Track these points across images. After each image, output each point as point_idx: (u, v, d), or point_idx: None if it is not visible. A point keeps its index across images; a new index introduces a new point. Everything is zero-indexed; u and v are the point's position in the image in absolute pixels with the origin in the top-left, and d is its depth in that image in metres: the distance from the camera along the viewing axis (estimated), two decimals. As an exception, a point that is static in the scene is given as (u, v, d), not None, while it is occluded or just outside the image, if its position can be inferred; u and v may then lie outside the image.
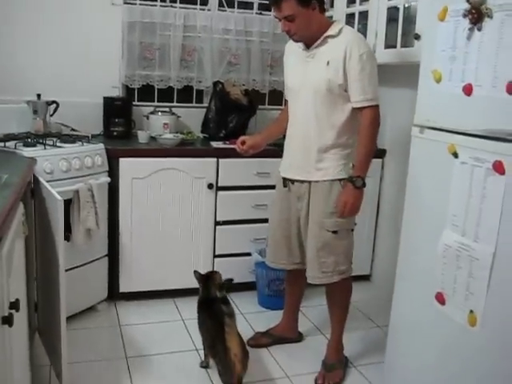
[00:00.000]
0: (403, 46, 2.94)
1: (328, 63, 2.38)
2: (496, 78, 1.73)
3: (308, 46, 2.47)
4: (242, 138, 2.76)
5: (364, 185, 2.43)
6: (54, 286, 2.20)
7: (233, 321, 2.41)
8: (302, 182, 2.54)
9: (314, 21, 2.39)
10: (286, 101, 2.76)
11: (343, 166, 2.47)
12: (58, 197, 2.09)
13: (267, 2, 3.84)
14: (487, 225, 1.79)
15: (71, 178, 2.85)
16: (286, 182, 2.62)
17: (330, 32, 2.40)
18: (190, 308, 3.18)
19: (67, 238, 2.77)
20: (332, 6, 3.59)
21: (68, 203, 2.80)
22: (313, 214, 2.51)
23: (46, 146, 2.86)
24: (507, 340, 1.76)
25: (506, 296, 1.75)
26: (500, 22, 1.74)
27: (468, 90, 1.85)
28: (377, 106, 2.40)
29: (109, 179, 3.08)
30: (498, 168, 1.73)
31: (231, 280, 2.43)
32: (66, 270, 2.81)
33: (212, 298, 2.54)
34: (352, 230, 2.58)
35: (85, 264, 3.05)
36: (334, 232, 2.49)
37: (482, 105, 1.81)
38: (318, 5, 2.39)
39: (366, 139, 2.42)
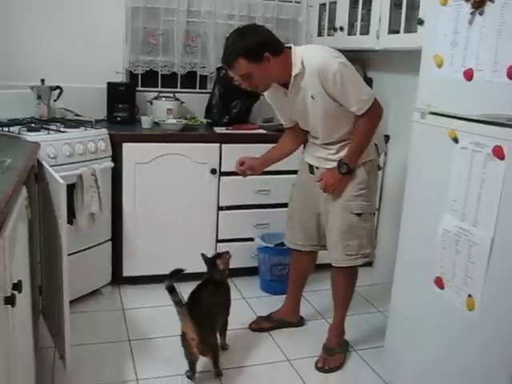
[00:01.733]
0: (407, 31, 2.92)
1: (312, 97, 2.38)
2: (497, 63, 1.73)
3: (285, 86, 2.44)
4: (241, 158, 2.75)
5: (348, 172, 2.46)
6: (58, 270, 2.23)
7: (182, 309, 2.39)
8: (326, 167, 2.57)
9: (273, 69, 2.35)
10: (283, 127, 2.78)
11: (368, 150, 2.50)
12: (61, 180, 2.11)
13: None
14: (486, 210, 1.80)
15: (75, 162, 2.87)
16: (312, 167, 2.65)
17: (295, 71, 2.35)
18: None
19: (70, 221, 2.79)
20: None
21: (72, 188, 2.82)
22: (337, 197, 2.53)
23: (50, 131, 2.88)
24: (505, 324, 1.77)
25: (504, 280, 1.76)
26: (501, 6, 1.73)
27: (469, 74, 1.85)
28: (374, 103, 2.39)
29: (112, 164, 3.09)
30: (498, 153, 1.73)
31: (180, 270, 2.42)
32: (70, 254, 2.85)
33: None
34: (374, 214, 2.65)
35: (89, 248, 3.08)
36: (358, 214, 2.53)
37: (482, 89, 1.80)
38: (271, 53, 2.31)
39: (363, 132, 2.44)
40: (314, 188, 2.63)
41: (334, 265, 2.63)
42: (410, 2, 2.89)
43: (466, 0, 1.86)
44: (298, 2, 3.95)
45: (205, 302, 2.48)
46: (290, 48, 2.39)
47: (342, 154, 2.50)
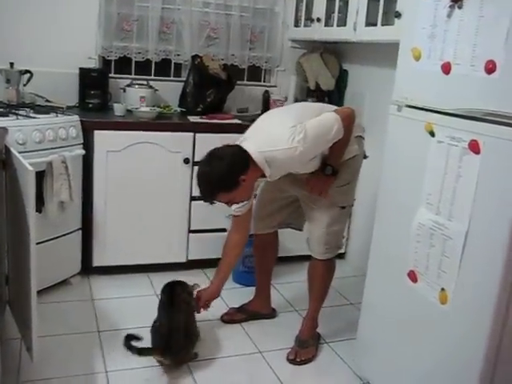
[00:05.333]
0: (384, 24, 2.92)
1: (293, 172, 2.43)
2: (475, 57, 1.73)
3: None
4: (197, 295, 2.65)
5: (334, 173, 2.45)
6: (25, 259, 2.17)
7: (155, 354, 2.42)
8: None
9: (250, 183, 2.34)
10: (235, 218, 2.70)
11: (351, 147, 2.49)
12: (29, 167, 2.05)
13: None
14: (461, 204, 1.80)
15: (44, 149, 2.80)
16: None
17: (267, 173, 2.31)
18: (163, 283, 3.19)
19: (39, 210, 2.73)
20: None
21: (41, 175, 2.76)
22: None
23: (19, 116, 2.81)
24: (476, 318, 1.78)
25: (477, 275, 1.77)
26: (480, 0, 1.73)
27: (446, 68, 1.84)
28: (343, 119, 2.33)
29: (83, 151, 3.03)
30: (474, 147, 1.74)
31: (132, 337, 2.34)
32: (39, 243, 2.78)
33: None
34: (352, 206, 2.69)
35: (58, 237, 3.01)
36: (343, 207, 2.55)
37: (460, 83, 1.80)
38: (243, 172, 2.24)
39: (342, 141, 2.39)
40: (288, 182, 2.60)
41: (316, 257, 2.61)
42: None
43: (445, -7, 1.85)
44: (276, -9, 3.91)
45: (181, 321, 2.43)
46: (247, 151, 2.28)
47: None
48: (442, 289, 1.89)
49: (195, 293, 2.62)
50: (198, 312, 2.65)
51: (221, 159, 2.25)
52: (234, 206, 2.56)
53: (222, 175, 2.22)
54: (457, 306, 1.85)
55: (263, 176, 2.35)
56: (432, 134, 1.91)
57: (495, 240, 1.69)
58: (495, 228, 1.69)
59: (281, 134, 2.23)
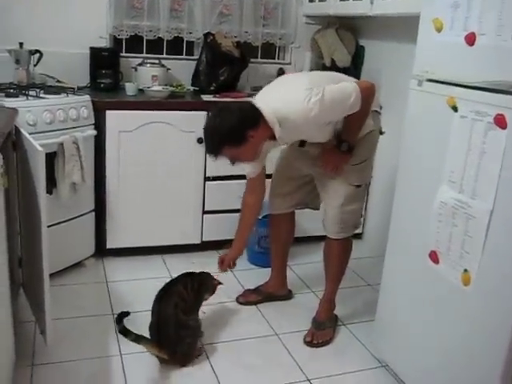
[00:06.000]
0: (402, -4, 2.82)
1: (305, 139, 2.35)
2: (501, 26, 1.63)
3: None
4: (220, 257, 2.75)
5: (350, 150, 2.37)
6: (37, 242, 2.13)
7: (142, 343, 2.27)
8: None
9: (258, 141, 2.22)
10: (250, 180, 2.64)
11: (367, 122, 2.41)
12: (39, 148, 2.00)
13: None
14: (486, 181, 1.72)
15: (55, 130, 2.76)
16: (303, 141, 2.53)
17: (277, 134, 2.22)
18: (178, 265, 3.18)
19: (50, 191, 2.69)
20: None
21: (52, 156, 2.72)
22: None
23: (29, 97, 2.76)
24: (500, 300, 1.71)
25: (501, 255, 1.70)
26: (507, -34, 1.63)
27: (471, 39, 1.75)
28: (361, 91, 2.23)
29: (95, 132, 2.98)
30: (500, 122, 1.65)
31: (126, 313, 2.22)
32: (51, 225, 2.79)
33: None
34: (369, 184, 2.63)
35: (71, 219, 2.99)
36: (358, 186, 2.47)
37: (485, 55, 1.71)
38: (252, 128, 2.16)
39: (360, 115, 2.31)
40: (303, 161, 2.56)
41: (331, 236, 2.56)
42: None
43: (469, -40, 1.76)
44: (289, -33, 3.81)
45: (171, 314, 2.32)
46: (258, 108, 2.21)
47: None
48: (465, 270, 1.82)
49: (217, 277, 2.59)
50: (225, 271, 2.70)
51: (231, 112, 2.17)
52: (247, 169, 2.52)
53: (231, 127, 2.14)
54: (480, 287, 1.78)
55: (273, 138, 2.26)
56: (455, 108, 1.83)
57: (522, 219, 1.62)
58: (522, 206, 1.62)
59: (296, 95, 2.15)
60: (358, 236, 3.74)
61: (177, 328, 2.30)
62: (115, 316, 2.28)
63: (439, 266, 1.95)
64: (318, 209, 2.75)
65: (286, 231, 2.84)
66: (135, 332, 2.22)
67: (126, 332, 2.22)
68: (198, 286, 2.47)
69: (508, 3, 1.61)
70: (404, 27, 3.05)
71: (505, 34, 1.62)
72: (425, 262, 2.01)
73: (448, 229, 1.89)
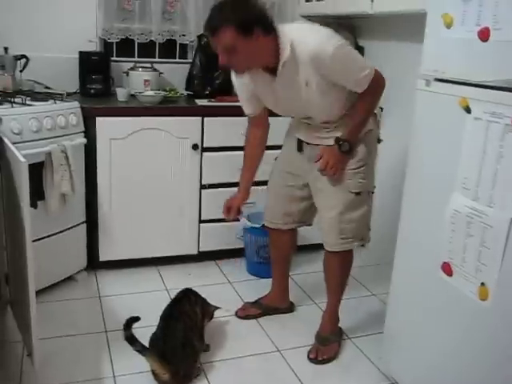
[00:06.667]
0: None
1: (307, 84, 2.11)
2: (519, 20, 1.51)
3: (270, 73, 2.15)
4: (226, 203, 2.60)
5: (350, 150, 2.24)
6: (23, 257, 2.00)
7: (147, 355, 2.17)
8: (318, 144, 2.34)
9: (259, 50, 2.04)
10: (251, 118, 2.51)
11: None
12: (22, 159, 1.87)
13: None
14: (504, 188, 1.59)
15: (43, 138, 2.63)
16: (301, 144, 2.41)
17: (283, 57, 2.05)
18: (174, 277, 3.07)
19: (35, 205, 2.55)
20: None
21: (40, 166, 2.59)
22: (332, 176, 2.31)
23: (14, 104, 2.63)
24: (523, 315, 1.59)
25: (523, 267, 1.57)
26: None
27: (484, 34, 1.62)
28: (376, 76, 2.14)
29: (85, 140, 2.85)
30: (519, 124, 1.53)
31: (136, 319, 2.18)
32: (40, 239, 2.67)
33: None
34: (372, 193, 2.42)
35: (61, 231, 2.86)
36: (357, 193, 2.31)
37: (500, 51, 1.58)
38: (262, 30, 2.01)
39: (366, 108, 2.21)
40: (300, 166, 2.43)
41: (327, 249, 2.42)
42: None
43: (480, -51, 1.64)
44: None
45: (179, 330, 2.22)
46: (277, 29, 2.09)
47: (341, 130, 2.27)
48: (482, 283, 1.69)
49: None
50: (232, 219, 2.63)
51: (250, 1, 2.03)
52: (247, 110, 2.44)
53: (243, 13, 1.97)
54: (499, 302, 1.65)
55: (273, 73, 2.12)
56: (468, 110, 1.70)
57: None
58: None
59: (318, 31, 2.06)
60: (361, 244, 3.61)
61: (184, 346, 2.18)
62: (124, 322, 2.18)
63: (453, 278, 1.82)
64: (311, 224, 2.62)
65: (287, 243, 2.70)
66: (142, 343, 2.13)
67: (132, 341, 2.13)
68: (202, 306, 2.39)
69: (527, -6, 1.49)
70: (406, 25, 2.93)
71: (523, 27, 1.49)
72: (437, 273, 1.88)
73: (462, 239, 1.76)
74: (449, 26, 1.76)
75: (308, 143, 2.39)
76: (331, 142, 2.27)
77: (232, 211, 2.58)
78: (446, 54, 1.80)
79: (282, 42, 2.05)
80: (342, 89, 2.16)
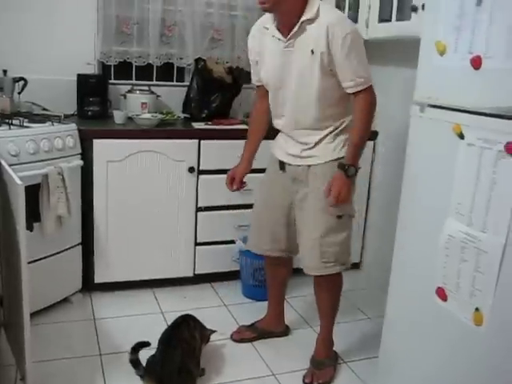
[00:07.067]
0: (399, 19, 2.74)
1: (312, 52, 2.14)
2: (510, 49, 1.53)
3: (283, 33, 2.22)
4: (229, 175, 2.60)
5: (356, 172, 2.26)
6: (17, 279, 2.00)
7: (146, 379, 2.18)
8: (299, 165, 2.35)
9: None
10: (257, 88, 2.55)
11: (344, 145, 2.29)
12: (19, 181, 1.88)
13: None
14: (497, 214, 1.60)
15: (40, 160, 2.64)
16: (283, 164, 2.42)
17: (306, 15, 2.14)
18: (169, 299, 3.06)
19: (31, 227, 2.55)
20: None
21: (36, 188, 2.60)
22: (315, 198, 2.30)
23: (12, 126, 2.64)
24: (517, 341, 1.59)
25: (517, 293, 1.58)
26: (514, -16, 1.54)
27: (476, 62, 1.65)
28: (370, 88, 2.20)
29: (81, 162, 2.86)
30: (511, 150, 1.54)
31: (145, 344, 2.21)
32: (36, 261, 2.66)
33: None
34: (353, 217, 2.41)
35: (57, 253, 2.85)
36: (339, 217, 2.30)
37: (492, 79, 1.61)
38: None
39: (361, 124, 2.23)
40: (285, 187, 2.42)
41: (307, 273, 2.41)
42: (401, -12, 2.71)
43: (472, -21, 1.67)
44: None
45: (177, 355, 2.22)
46: None
47: (319, 150, 2.29)
48: (477, 309, 1.69)
49: None
50: (237, 189, 2.61)
51: None
52: (254, 77, 2.50)
53: None
54: (494, 327, 1.65)
55: (283, 33, 2.20)
56: (461, 136, 1.72)
57: (538, 254, 1.50)
58: (537, 240, 1.50)
59: (345, 16, 2.33)
60: (356, 266, 3.62)
61: (180, 372, 2.18)
62: (132, 346, 2.20)
63: (447, 303, 1.81)
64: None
65: (283, 267, 2.69)
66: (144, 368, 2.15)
67: (136, 364, 2.14)
68: (200, 330, 2.40)
69: (517, 24, 1.52)
70: (400, 51, 2.97)
71: (514, 56, 1.52)
72: (432, 298, 1.87)
73: (456, 264, 1.76)
74: (442, 53, 1.79)
75: (290, 164, 2.39)
76: (310, 161, 2.29)
77: (235, 182, 2.59)
78: (439, 80, 1.83)
79: (310, 4, 2.15)
80: (337, 85, 2.20)
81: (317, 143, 2.30)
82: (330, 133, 2.29)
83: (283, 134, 2.43)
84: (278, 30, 2.24)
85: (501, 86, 1.58)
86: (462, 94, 1.73)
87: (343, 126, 2.30)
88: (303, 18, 2.14)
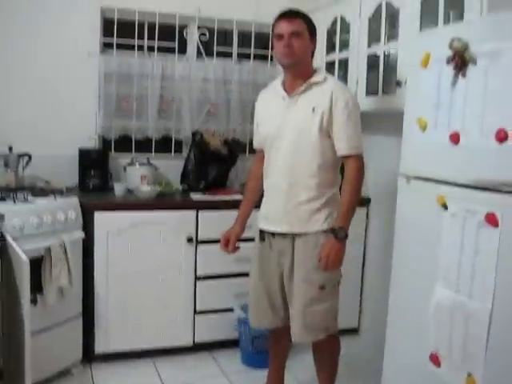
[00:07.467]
0: (385, 93, 2.89)
1: (313, 110, 2.31)
2: (484, 126, 1.66)
3: (289, 93, 2.40)
4: (224, 237, 2.64)
5: (346, 236, 2.31)
6: (21, 351, 2.04)
7: None
8: (284, 235, 2.41)
9: (308, 55, 2.40)
10: (256, 153, 2.69)
11: (328, 217, 2.36)
12: (24, 257, 1.96)
13: (246, 52, 3.84)
14: (482, 281, 1.68)
15: (43, 234, 2.71)
16: (265, 235, 2.50)
17: (315, 78, 2.37)
18: (170, 369, 3.05)
19: (35, 301, 2.60)
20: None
21: (39, 261, 2.66)
22: (298, 269, 2.37)
23: (17, 201, 2.73)
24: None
25: (507, 357, 1.63)
26: (484, 68, 1.68)
27: (455, 138, 1.77)
28: (361, 155, 2.33)
29: (83, 234, 2.94)
30: (491, 220, 1.64)
31: None
32: (37, 332, 2.67)
33: None
34: (339, 284, 2.46)
35: (57, 324, 2.86)
36: (321, 287, 2.35)
37: (470, 154, 1.73)
38: (315, 44, 2.43)
39: (351, 189, 2.32)
40: (274, 260, 2.48)
41: (293, 340, 2.44)
42: (386, 64, 2.87)
43: (448, 62, 1.81)
44: (274, 65, 3.92)
45: None
46: None
47: (305, 219, 2.36)
48: (469, 374, 1.74)
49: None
50: (232, 251, 2.64)
51: None
52: (255, 143, 2.65)
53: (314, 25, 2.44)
54: (486, 392, 1.70)
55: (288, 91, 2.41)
56: (445, 206, 1.82)
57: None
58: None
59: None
60: (354, 331, 3.65)
61: None
62: None
63: (441, 369, 1.87)
64: None
65: (285, 339, 2.63)
66: None
67: None
68: None
69: (488, 104, 1.64)
70: (388, 121, 3.10)
71: (488, 133, 1.64)
72: (426, 364, 1.93)
73: (447, 330, 1.82)
74: (423, 129, 1.92)
75: (274, 234, 2.45)
76: (296, 230, 2.36)
77: (230, 244, 2.62)
78: (422, 154, 1.95)
79: (318, 70, 2.44)
80: (331, 148, 2.33)
81: (304, 211, 2.37)
82: (316, 201, 2.36)
83: (271, 196, 2.49)
84: (285, 90, 2.43)
85: (478, 160, 1.70)
86: (444, 167, 1.84)
87: (330, 197, 2.37)
88: (312, 80, 2.36)
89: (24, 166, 3.21)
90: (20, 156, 3.16)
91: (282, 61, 2.38)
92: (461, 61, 1.76)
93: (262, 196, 2.60)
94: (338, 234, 2.28)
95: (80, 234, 2.92)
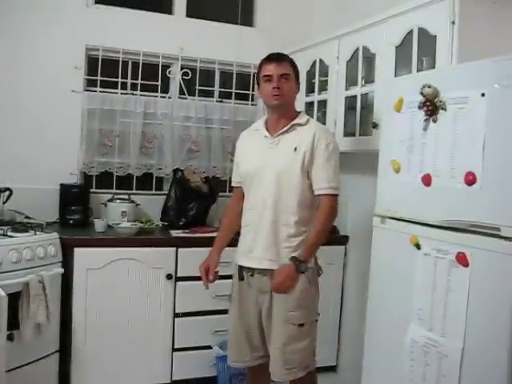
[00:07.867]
0: (362, 134, 2.97)
1: (296, 149, 2.38)
2: (454, 169, 1.73)
3: (271, 133, 2.47)
4: (204, 268, 2.62)
5: (306, 270, 2.36)
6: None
7: None
8: (264, 272, 2.44)
9: (294, 97, 2.51)
10: (235, 190, 2.74)
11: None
12: (2, 293, 1.96)
13: (228, 90, 3.92)
14: (454, 319, 1.73)
15: (21, 269, 2.70)
16: (243, 273, 2.52)
17: (298, 120, 2.45)
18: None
19: (11, 337, 2.58)
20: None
21: (17, 296, 2.64)
22: (277, 307, 2.39)
23: (-4, 236, 2.74)
24: None
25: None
26: (454, 114, 1.77)
27: (427, 180, 1.84)
28: (336, 196, 2.39)
29: (62, 270, 2.93)
30: (462, 260, 1.69)
31: None
32: (11, 370, 2.64)
33: None
34: (316, 321, 2.48)
35: (33, 361, 2.83)
36: (300, 325, 2.37)
37: (441, 195, 1.79)
38: (298, 88, 2.54)
39: (322, 226, 2.37)
40: (252, 297, 2.50)
41: (272, 378, 2.45)
42: (363, 106, 2.95)
43: (420, 107, 1.89)
44: (254, 105, 4.01)
45: None
46: None
47: (282, 258, 2.39)
48: (442, 412, 1.77)
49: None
50: (213, 280, 2.61)
51: None
52: (234, 181, 2.71)
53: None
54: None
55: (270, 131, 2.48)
56: (418, 246, 1.88)
57: (495, 356, 1.61)
58: (492, 343, 1.61)
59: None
60: (332, 369, 3.65)
61: None
62: None
63: (415, 407, 1.89)
64: None
65: (265, 377, 2.61)
66: None
67: None
68: None
69: (457, 149, 1.71)
70: (366, 161, 3.16)
71: (457, 176, 1.71)
72: (400, 402, 1.95)
73: (421, 368, 1.86)
74: (397, 171, 1.98)
75: (252, 272, 2.47)
76: (275, 265, 2.38)
77: (211, 273, 2.60)
78: (396, 195, 2.01)
79: (301, 114, 2.52)
80: (310, 188, 2.39)
81: (283, 248, 2.40)
82: (295, 238, 2.40)
83: (251, 233, 2.50)
84: (267, 130, 2.50)
85: (449, 201, 1.76)
86: (417, 207, 1.91)
87: (306, 236, 2.40)
88: (295, 122, 2.44)
89: (4, 201, 3.21)
90: (1, 191, 3.17)
91: (271, 102, 2.45)
92: (432, 106, 1.84)
93: (237, 233, 2.63)
94: (299, 267, 2.34)
95: (59, 270, 2.91)
